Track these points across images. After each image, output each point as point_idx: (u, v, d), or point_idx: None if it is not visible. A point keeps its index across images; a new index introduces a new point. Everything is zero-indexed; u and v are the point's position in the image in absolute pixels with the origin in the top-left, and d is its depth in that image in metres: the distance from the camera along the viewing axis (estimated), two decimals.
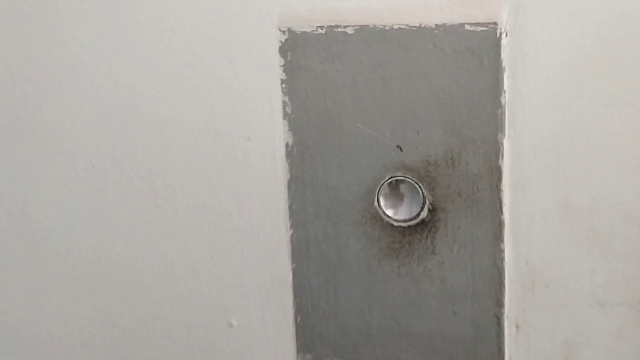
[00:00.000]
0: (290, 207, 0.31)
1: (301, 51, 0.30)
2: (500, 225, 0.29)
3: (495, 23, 0.27)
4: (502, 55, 0.28)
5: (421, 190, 0.30)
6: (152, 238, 0.33)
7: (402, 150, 0.30)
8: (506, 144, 0.29)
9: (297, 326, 0.33)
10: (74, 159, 0.33)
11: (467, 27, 0.28)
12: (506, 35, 0.27)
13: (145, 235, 0.33)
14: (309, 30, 0.29)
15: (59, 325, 0.36)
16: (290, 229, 0.32)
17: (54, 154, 0.33)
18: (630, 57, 0.27)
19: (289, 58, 0.30)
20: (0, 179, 0.34)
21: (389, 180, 0.30)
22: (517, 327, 0.30)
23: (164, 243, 0.33)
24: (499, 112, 0.28)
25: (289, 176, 0.31)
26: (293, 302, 0.33)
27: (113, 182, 0.33)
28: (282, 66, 0.30)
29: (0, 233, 0.35)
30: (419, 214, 0.30)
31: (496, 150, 0.29)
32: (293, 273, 0.32)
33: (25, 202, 0.34)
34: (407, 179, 0.30)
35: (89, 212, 0.34)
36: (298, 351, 0.33)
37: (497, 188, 0.29)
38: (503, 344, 0.30)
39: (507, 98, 0.28)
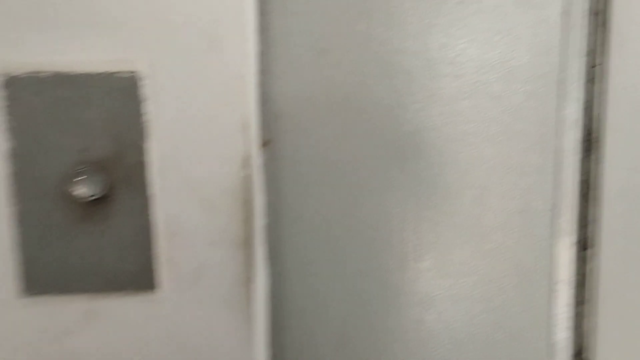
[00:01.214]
0: (13, 190, 0.47)
1: (17, 87, 0.45)
2: (149, 197, 0.47)
3: (135, 71, 0.45)
4: (142, 91, 0.46)
5: (99, 177, 0.46)
6: None
7: (86, 152, 0.46)
8: (150, 146, 0.47)
9: (22, 272, 0.48)
10: None
11: (119, 74, 0.45)
12: (144, 79, 0.46)
13: None
14: (22, 74, 0.45)
15: None
16: (15, 205, 0.47)
17: None
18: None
19: (9, 92, 0.45)
20: None
21: (78, 170, 0.46)
22: (166, 261, 0.48)
23: None
24: (142, 125, 0.46)
25: (12, 170, 0.47)
26: (18, 256, 0.48)
27: None
28: (4, 97, 0.46)
29: None
30: (98, 192, 0.47)
31: (142, 150, 0.46)
32: (17, 235, 0.47)
33: None
34: (89, 170, 0.46)
35: None
36: (23, 290, 0.48)
37: (145, 173, 0.47)
38: (156, 273, 0.48)
39: (147, 117, 0.46)
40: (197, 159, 0.46)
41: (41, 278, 0.47)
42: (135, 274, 0.48)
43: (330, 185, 0.55)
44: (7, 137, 0.46)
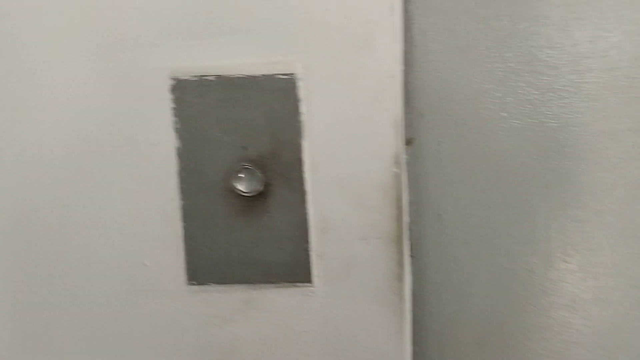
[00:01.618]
0: (180, 186, 0.51)
1: (184, 90, 0.49)
2: (304, 193, 0.49)
3: (293, 74, 0.47)
4: (299, 92, 0.48)
5: (258, 173, 0.49)
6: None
7: (246, 150, 0.49)
8: (304, 144, 0.49)
9: (187, 263, 0.51)
10: None
11: (278, 76, 0.48)
12: (300, 80, 0.48)
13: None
14: (188, 78, 0.49)
15: None
16: (181, 200, 0.51)
17: None
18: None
19: (177, 95, 0.49)
20: None
21: (239, 167, 0.49)
22: (318, 255, 0.50)
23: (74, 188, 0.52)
24: (299, 124, 0.48)
25: (179, 168, 0.50)
26: (184, 247, 0.51)
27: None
28: (172, 99, 0.49)
29: None
30: (258, 188, 0.49)
31: (299, 148, 0.48)
32: (183, 228, 0.51)
33: None
34: (249, 166, 0.49)
35: None
36: (188, 279, 0.52)
37: (301, 170, 0.49)
38: (311, 266, 0.50)
39: (303, 117, 0.48)
40: (350, 156, 0.47)
41: (204, 268, 0.51)
42: (291, 267, 0.50)
43: (472, 182, 0.55)
44: (177, 136, 0.49)
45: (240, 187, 0.48)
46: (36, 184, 0.50)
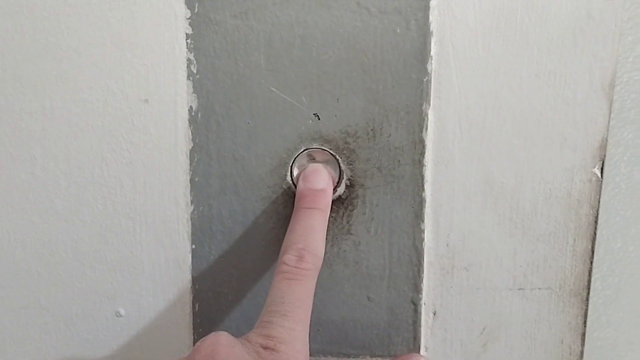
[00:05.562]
0: (191, 180, 0.28)
1: (211, 3, 0.26)
2: (421, 203, 0.27)
3: None
4: (431, 18, 0.26)
5: (339, 163, 0.27)
6: (26, 213, 0.29)
7: (319, 119, 0.27)
8: (431, 115, 0.27)
9: (195, 315, 0.29)
10: None
11: None
12: None
13: (19, 210, 0.28)
14: None
15: None
16: (191, 204, 0.28)
17: None
18: (561, 27, 0.25)
19: (196, 10, 0.26)
20: None
21: (304, 152, 0.27)
22: (434, 313, 0.28)
23: (41, 219, 0.29)
24: (424, 80, 0.26)
25: (192, 145, 0.28)
26: (191, 288, 0.29)
27: None
28: (187, 19, 0.26)
29: None
30: (335, 190, 0.27)
31: (420, 122, 0.27)
32: (192, 255, 0.29)
33: None
34: (324, 151, 0.27)
35: None
36: (195, 343, 0.29)
37: (419, 163, 0.27)
38: (419, 331, 0.28)
39: (433, 65, 0.26)
40: (513, 140, 0.26)
41: (222, 325, 0.29)
42: (384, 328, 0.29)
43: None
44: (193, 87, 0.26)
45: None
46: None
